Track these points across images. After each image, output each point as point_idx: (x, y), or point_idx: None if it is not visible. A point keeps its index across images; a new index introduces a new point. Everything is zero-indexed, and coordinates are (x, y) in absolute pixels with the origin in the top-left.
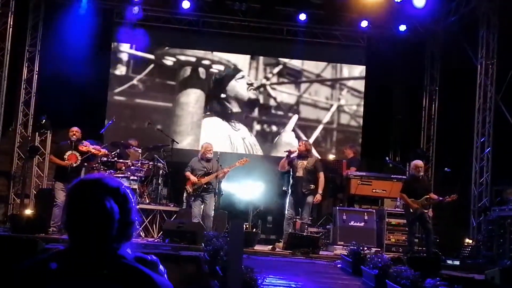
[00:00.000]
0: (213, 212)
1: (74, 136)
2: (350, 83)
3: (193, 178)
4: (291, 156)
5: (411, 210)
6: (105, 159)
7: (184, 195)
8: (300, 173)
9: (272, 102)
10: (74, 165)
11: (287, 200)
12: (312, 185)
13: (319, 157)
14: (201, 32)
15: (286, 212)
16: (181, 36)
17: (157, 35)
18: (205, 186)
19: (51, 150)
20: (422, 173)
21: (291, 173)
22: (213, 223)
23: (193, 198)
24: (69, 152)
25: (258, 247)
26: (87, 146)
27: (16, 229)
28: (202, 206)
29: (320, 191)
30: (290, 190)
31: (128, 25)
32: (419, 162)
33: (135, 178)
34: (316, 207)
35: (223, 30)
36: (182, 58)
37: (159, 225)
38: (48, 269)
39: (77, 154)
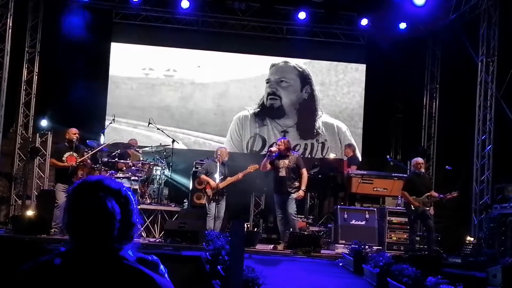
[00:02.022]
0: (223, 213)
1: (75, 138)
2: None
3: (212, 183)
4: (272, 155)
5: (413, 208)
6: (106, 159)
7: (204, 199)
8: (283, 173)
9: None
10: (74, 164)
11: (274, 201)
12: (296, 183)
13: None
14: (200, 31)
15: (276, 213)
16: (180, 35)
17: (156, 35)
18: (222, 189)
19: (51, 153)
20: (423, 170)
21: (274, 173)
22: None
23: (211, 201)
24: (67, 154)
25: (259, 246)
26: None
27: (17, 230)
28: (216, 208)
29: (303, 187)
30: (275, 190)
31: (127, 25)
32: (419, 159)
33: (136, 178)
34: (317, 206)
35: (223, 30)
36: None
37: (161, 225)
38: (50, 270)
39: (75, 155)
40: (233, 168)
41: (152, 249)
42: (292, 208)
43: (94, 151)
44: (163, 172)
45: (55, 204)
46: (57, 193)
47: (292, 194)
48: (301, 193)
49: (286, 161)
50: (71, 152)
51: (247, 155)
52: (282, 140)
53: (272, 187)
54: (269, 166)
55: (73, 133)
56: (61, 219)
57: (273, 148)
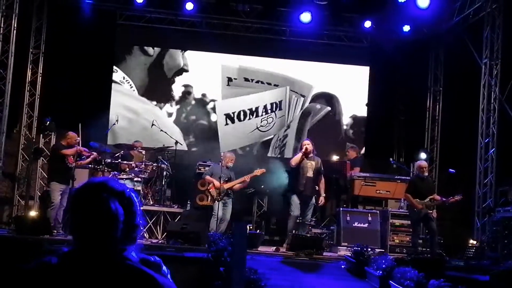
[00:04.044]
0: (229, 216)
1: (76, 142)
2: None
3: (217, 183)
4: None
5: (416, 211)
6: (109, 160)
7: (208, 199)
8: (310, 173)
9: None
10: (72, 165)
11: (293, 200)
12: (316, 186)
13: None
14: (204, 33)
15: (292, 212)
16: (184, 37)
17: (160, 36)
18: (227, 191)
19: (58, 148)
20: (427, 174)
21: (298, 173)
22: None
23: (216, 202)
24: None
25: (261, 248)
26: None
27: (20, 231)
28: (222, 210)
29: (323, 193)
30: (296, 190)
31: (131, 26)
32: (423, 163)
33: (139, 179)
34: (319, 208)
35: (226, 31)
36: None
37: (163, 227)
38: (53, 270)
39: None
40: (239, 171)
41: (154, 251)
42: (310, 213)
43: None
44: (166, 174)
45: (51, 204)
46: (52, 192)
47: (312, 199)
48: (323, 199)
49: (313, 163)
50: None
51: (254, 158)
52: (309, 140)
53: (290, 186)
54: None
55: (75, 139)
56: (54, 219)
57: (308, 147)
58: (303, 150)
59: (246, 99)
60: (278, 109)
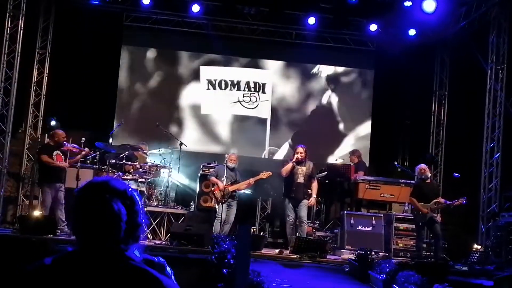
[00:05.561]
0: (233, 218)
1: (64, 141)
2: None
3: (221, 185)
4: (295, 162)
5: (421, 214)
6: (113, 161)
7: (212, 201)
8: (301, 179)
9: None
10: (62, 164)
11: (286, 206)
12: (309, 190)
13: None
14: (210, 35)
15: (287, 218)
16: (190, 39)
17: (166, 38)
18: (232, 192)
19: (41, 150)
20: (429, 174)
21: (289, 179)
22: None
23: (220, 204)
24: (56, 152)
25: (265, 251)
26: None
27: (24, 230)
28: (226, 212)
29: (315, 195)
30: (288, 196)
31: (138, 28)
32: (422, 165)
33: (143, 180)
34: (324, 212)
35: (232, 34)
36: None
37: (167, 228)
38: (56, 270)
39: (61, 154)
40: (248, 173)
41: (157, 252)
42: (304, 212)
43: (71, 146)
44: (170, 175)
45: (43, 205)
46: (44, 194)
47: (304, 200)
48: (313, 201)
49: (304, 168)
50: (58, 151)
51: (262, 160)
52: (303, 147)
53: (283, 192)
54: (289, 172)
55: (63, 136)
56: (58, 218)
57: (299, 156)
58: (294, 159)
59: (228, 70)
60: (261, 91)
